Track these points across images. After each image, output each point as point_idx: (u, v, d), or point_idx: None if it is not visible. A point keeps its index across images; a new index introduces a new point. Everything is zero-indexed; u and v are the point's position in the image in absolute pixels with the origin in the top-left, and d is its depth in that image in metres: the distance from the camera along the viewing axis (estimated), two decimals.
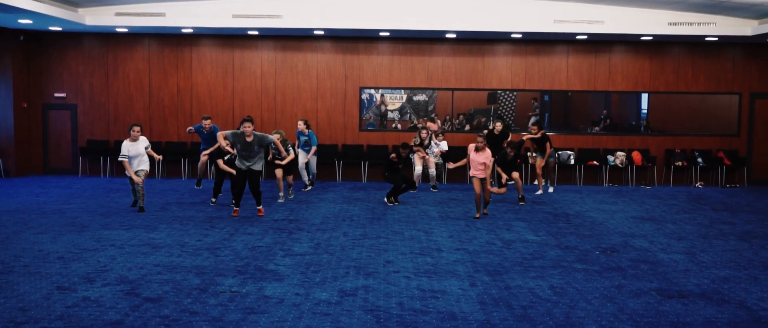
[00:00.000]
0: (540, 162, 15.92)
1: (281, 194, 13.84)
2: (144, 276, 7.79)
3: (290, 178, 14.19)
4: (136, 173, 12.27)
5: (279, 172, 13.64)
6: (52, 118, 18.63)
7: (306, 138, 15.72)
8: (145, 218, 11.62)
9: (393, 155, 13.79)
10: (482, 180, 12.18)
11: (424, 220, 11.94)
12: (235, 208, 12.01)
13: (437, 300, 7.04)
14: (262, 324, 6.19)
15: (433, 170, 16.21)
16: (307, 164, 16.01)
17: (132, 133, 12.28)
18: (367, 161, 18.15)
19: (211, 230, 10.57)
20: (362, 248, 9.49)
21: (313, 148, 15.80)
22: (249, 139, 11.56)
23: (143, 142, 12.41)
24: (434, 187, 16.35)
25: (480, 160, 12.15)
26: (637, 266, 8.68)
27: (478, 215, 12.18)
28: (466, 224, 11.59)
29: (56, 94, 18.51)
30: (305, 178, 16.04)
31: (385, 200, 13.98)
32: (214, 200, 13.34)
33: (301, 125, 15.75)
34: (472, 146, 12.34)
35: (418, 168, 15.94)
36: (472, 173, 12.31)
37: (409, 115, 18.52)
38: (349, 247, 9.57)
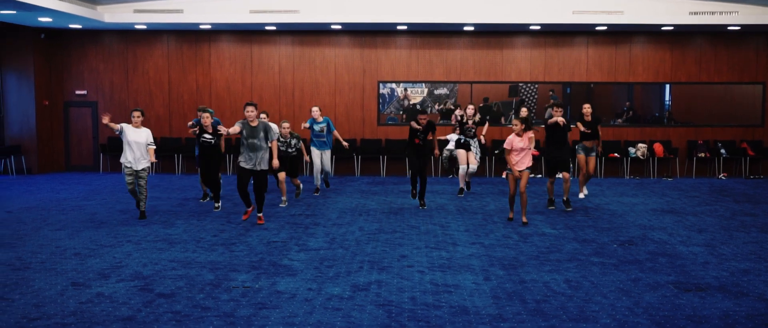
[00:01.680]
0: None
1: (284, 198, 12.63)
2: (158, 272, 7.82)
3: (296, 180, 13.19)
4: (137, 172, 11.13)
5: (282, 174, 12.50)
6: (73, 115, 18.80)
7: (323, 125, 13.72)
8: (162, 214, 11.67)
9: (412, 123, 12.20)
10: (523, 171, 10.68)
11: (441, 214, 11.87)
12: (247, 209, 10.95)
13: (450, 295, 6.99)
14: (273, 319, 6.18)
15: (474, 167, 13.88)
16: (322, 162, 13.88)
17: (132, 119, 11.25)
18: (386, 156, 18.11)
19: (227, 226, 10.59)
20: (377, 243, 9.46)
21: (337, 134, 13.84)
22: (254, 125, 10.45)
23: (146, 134, 11.28)
24: (468, 186, 14.30)
25: (522, 146, 10.65)
26: (655, 258, 8.56)
27: (511, 216, 11.09)
28: (483, 217, 11.50)
29: (77, 92, 18.66)
30: (318, 180, 14.07)
31: (419, 201, 12.59)
32: (217, 204, 12.27)
33: (316, 112, 13.73)
34: (511, 137, 10.72)
35: (464, 167, 13.77)
36: (514, 163, 10.70)
37: (430, 108, 18.42)
38: (364, 241, 9.54)
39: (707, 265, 8.25)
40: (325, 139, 13.76)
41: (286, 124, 12.65)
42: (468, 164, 13.74)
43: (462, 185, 14.06)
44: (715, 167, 18.15)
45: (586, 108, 13.11)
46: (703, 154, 17.90)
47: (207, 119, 11.94)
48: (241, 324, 6.04)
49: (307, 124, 13.75)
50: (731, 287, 7.30)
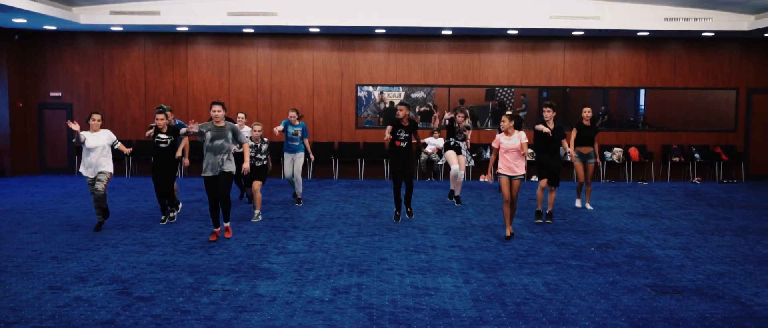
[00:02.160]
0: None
1: (257, 211, 11.42)
2: (137, 275, 7.76)
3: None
4: (95, 178, 10.22)
5: (257, 183, 11.40)
6: (48, 117, 18.60)
7: (297, 129, 12.89)
8: (139, 217, 11.59)
9: (389, 128, 11.05)
10: (512, 179, 9.67)
11: (421, 217, 11.90)
12: (214, 230, 9.73)
13: (430, 297, 7.01)
14: (254, 323, 6.16)
15: (462, 174, 13.10)
16: (293, 169, 13.03)
17: (91, 122, 10.13)
18: (364, 159, 18.13)
19: (206, 229, 10.53)
20: (357, 246, 9.46)
21: (307, 143, 13.03)
22: (220, 125, 9.45)
23: (106, 136, 10.23)
24: (458, 200, 13.37)
25: (512, 147, 9.62)
26: (632, 262, 8.65)
27: (509, 234, 9.83)
28: (462, 221, 11.55)
29: (52, 94, 18.47)
30: (299, 188, 13.23)
31: (398, 213, 11.46)
32: (171, 215, 11.21)
33: (292, 115, 12.87)
34: (498, 136, 9.79)
35: (455, 167, 12.87)
36: (500, 168, 9.77)
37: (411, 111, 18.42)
38: (343, 245, 9.53)
39: (683, 268, 8.36)
40: (297, 144, 12.91)
41: (258, 127, 11.50)
42: (459, 165, 12.92)
43: (453, 186, 13.36)
44: (689, 171, 18.37)
45: (586, 112, 12.68)
46: (677, 159, 18.11)
47: (161, 121, 10.63)
48: None
49: (281, 127, 12.85)
50: (707, 289, 7.40)
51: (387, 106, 18.48)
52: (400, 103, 11.05)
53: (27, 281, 7.51)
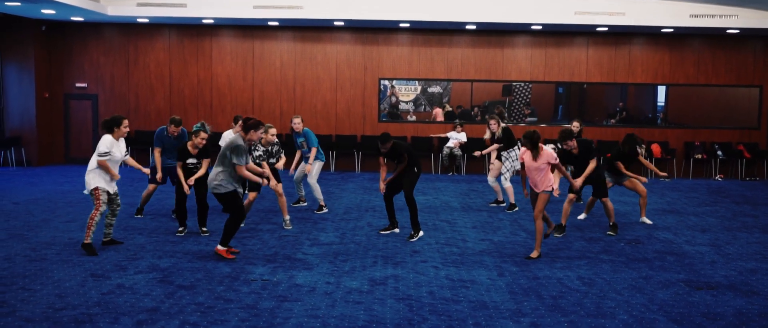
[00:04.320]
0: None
1: (287, 218, 10.28)
2: (175, 264, 7.88)
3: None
4: (116, 193, 8.63)
5: (252, 195, 10.03)
6: (74, 108, 18.77)
7: (302, 139, 11.45)
8: (171, 206, 11.67)
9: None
10: (537, 191, 8.47)
11: (447, 211, 11.97)
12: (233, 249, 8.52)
13: (467, 290, 7.09)
14: (297, 312, 6.26)
15: (491, 181, 12.29)
16: (303, 176, 11.74)
17: (123, 128, 8.49)
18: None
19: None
20: (387, 238, 9.54)
21: (313, 152, 11.27)
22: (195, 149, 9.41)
23: (124, 144, 8.73)
24: (510, 205, 12.04)
25: (539, 166, 8.36)
26: (663, 257, 8.70)
27: (534, 255, 8.55)
28: (489, 214, 11.61)
29: (77, 85, 18.63)
30: (299, 189, 11.99)
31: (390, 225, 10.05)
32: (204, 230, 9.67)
33: (297, 124, 11.38)
34: (523, 151, 8.54)
35: (491, 179, 12.25)
36: (531, 185, 8.57)
37: (424, 106, 18.54)
38: (374, 236, 9.62)
39: (715, 264, 8.39)
40: (307, 155, 11.42)
41: (272, 130, 10.19)
42: (499, 177, 12.17)
43: (500, 197, 12.46)
44: (711, 169, 18.34)
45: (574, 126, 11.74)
46: (700, 156, 18.09)
47: (203, 140, 9.56)
48: (265, 316, 6.12)
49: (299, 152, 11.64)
50: (741, 285, 7.44)
51: (398, 100, 18.55)
52: (384, 140, 9.48)
53: (68, 268, 7.63)
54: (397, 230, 9.95)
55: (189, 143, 9.56)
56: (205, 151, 9.61)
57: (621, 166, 10.63)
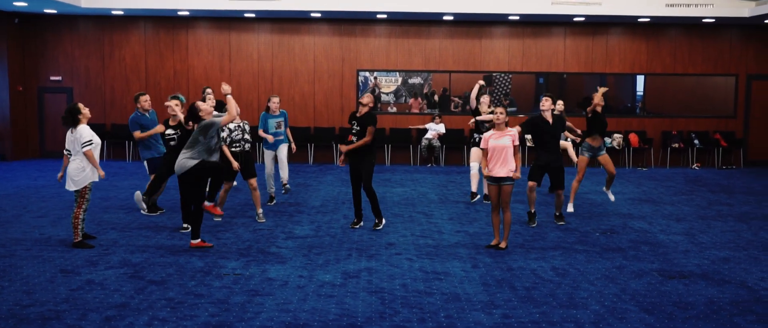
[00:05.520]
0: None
1: (217, 219, 10.03)
2: (146, 259, 7.80)
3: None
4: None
5: (227, 185, 9.88)
6: (48, 101, 18.55)
7: (279, 119, 11.29)
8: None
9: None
10: (502, 182, 8.35)
11: (424, 202, 11.95)
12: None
13: (441, 282, 7.07)
14: (268, 306, 6.21)
15: (474, 169, 11.88)
16: (275, 167, 11.53)
17: (84, 112, 8.31)
18: None
19: (209, 214, 10.54)
20: (363, 231, 9.50)
21: (289, 133, 11.53)
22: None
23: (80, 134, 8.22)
24: (473, 195, 11.98)
25: (502, 146, 8.30)
26: (638, 247, 8.72)
27: (495, 243, 8.53)
28: (466, 206, 11.60)
29: (52, 78, 18.42)
30: (271, 186, 11.46)
31: (356, 220, 9.77)
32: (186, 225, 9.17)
33: (275, 102, 11.22)
34: (487, 134, 8.47)
35: (475, 165, 11.79)
36: (488, 170, 8.41)
37: (404, 97, 18.49)
38: (349, 229, 9.58)
39: (688, 253, 8.43)
40: (281, 137, 11.29)
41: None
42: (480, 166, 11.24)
43: (474, 188, 11.98)
44: (688, 157, 18.45)
45: (598, 97, 10.89)
46: (677, 145, 18.19)
47: (177, 107, 9.61)
48: (236, 310, 6.07)
49: (265, 129, 11.21)
50: (713, 274, 7.47)
51: (380, 91, 18.48)
52: (369, 93, 9.58)
53: (38, 264, 7.54)
54: (361, 224, 9.77)
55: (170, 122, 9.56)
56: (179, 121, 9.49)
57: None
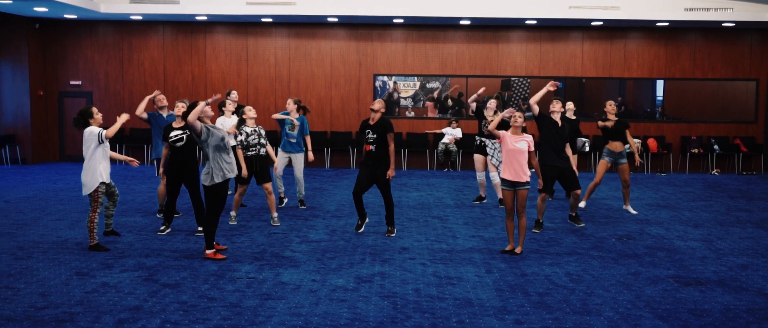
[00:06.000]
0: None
1: (233, 214, 10.18)
2: (161, 262, 7.84)
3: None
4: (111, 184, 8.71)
5: (241, 188, 10.04)
6: (68, 105, 18.73)
7: (294, 123, 11.22)
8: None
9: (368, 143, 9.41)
10: (518, 187, 8.31)
11: (440, 207, 11.93)
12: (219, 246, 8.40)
13: (453, 287, 7.05)
14: (279, 310, 6.22)
15: (495, 177, 11.53)
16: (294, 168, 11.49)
17: (95, 116, 8.56)
18: None
19: (228, 216, 10.59)
20: (378, 235, 9.50)
21: (308, 141, 11.37)
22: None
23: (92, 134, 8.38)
24: (501, 201, 11.66)
25: (519, 149, 8.22)
26: (654, 253, 8.65)
27: (510, 248, 8.48)
28: (481, 210, 11.57)
29: (72, 82, 18.59)
30: (279, 186, 11.54)
31: (359, 222, 9.68)
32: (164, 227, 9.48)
33: (291, 106, 11.21)
34: (505, 133, 8.38)
35: (481, 175, 11.97)
36: (503, 173, 8.41)
37: (422, 102, 18.47)
38: (364, 233, 9.57)
39: (705, 259, 8.34)
40: (295, 141, 11.27)
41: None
42: (488, 172, 11.74)
43: (483, 193, 12.19)
44: (708, 163, 18.28)
45: (610, 106, 11.14)
46: (696, 150, 18.02)
47: (180, 109, 9.57)
48: (247, 315, 6.08)
49: (281, 116, 11.25)
50: (730, 281, 7.39)
51: (400, 96, 18.46)
52: (378, 100, 9.44)
53: (54, 267, 7.60)
54: (367, 220, 9.76)
55: (174, 123, 9.39)
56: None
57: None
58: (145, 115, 10.42)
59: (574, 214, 10.13)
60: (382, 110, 9.38)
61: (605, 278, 7.43)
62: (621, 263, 8.13)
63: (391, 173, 9.21)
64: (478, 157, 11.76)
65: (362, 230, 9.64)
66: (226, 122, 10.67)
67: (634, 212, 11.55)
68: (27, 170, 16.72)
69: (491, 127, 8.62)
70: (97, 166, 8.27)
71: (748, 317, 6.23)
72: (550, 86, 9.70)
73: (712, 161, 18.17)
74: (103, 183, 8.34)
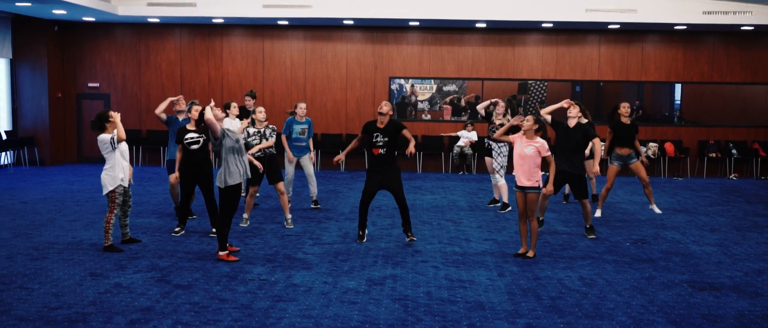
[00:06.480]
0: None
1: (245, 216, 10.19)
2: (174, 263, 7.88)
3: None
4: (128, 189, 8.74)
5: (253, 189, 10.05)
6: (86, 107, 18.87)
7: (304, 126, 11.49)
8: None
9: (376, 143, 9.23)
10: (527, 191, 8.25)
11: (453, 210, 11.90)
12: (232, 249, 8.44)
13: (465, 290, 7.03)
14: (290, 312, 6.23)
15: (498, 180, 11.64)
16: (304, 170, 11.74)
17: (111, 121, 8.42)
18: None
19: (241, 218, 10.62)
20: (390, 238, 9.49)
21: (311, 143, 11.62)
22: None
23: (123, 146, 8.58)
24: (504, 206, 11.74)
25: (527, 155, 8.21)
26: (669, 257, 8.58)
27: (522, 251, 8.49)
28: (495, 214, 11.53)
29: (90, 84, 18.74)
30: (313, 189, 11.79)
31: (361, 232, 9.32)
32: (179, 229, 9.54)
33: (302, 108, 11.49)
34: (515, 136, 8.44)
35: (495, 177, 11.74)
36: (517, 177, 8.33)
37: (439, 105, 18.45)
38: (377, 236, 9.57)
39: (721, 265, 8.27)
40: (304, 144, 11.53)
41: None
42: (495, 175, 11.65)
43: (496, 195, 12.15)
44: (725, 167, 18.11)
45: (624, 108, 11.17)
46: (714, 155, 17.87)
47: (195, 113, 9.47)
48: (258, 316, 6.10)
49: (287, 134, 11.50)
50: (745, 287, 7.32)
51: (417, 99, 18.45)
52: (386, 103, 9.31)
53: (68, 267, 7.66)
54: (365, 238, 9.31)
55: (188, 126, 9.42)
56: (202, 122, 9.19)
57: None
58: (164, 116, 10.44)
59: (588, 225, 9.71)
60: (391, 113, 9.30)
61: (618, 283, 7.37)
62: (635, 267, 8.07)
63: (411, 148, 9.13)
64: (488, 160, 11.80)
65: (365, 240, 9.29)
66: (231, 125, 10.62)
67: (658, 211, 11.71)
68: (45, 171, 16.87)
69: (497, 135, 8.62)
70: (116, 167, 8.34)
71: (763, 323, 6.17)
72: (564, 103, 9.80)
73: (730, 166, 18.00)
74: (121, 185, 8.42)
